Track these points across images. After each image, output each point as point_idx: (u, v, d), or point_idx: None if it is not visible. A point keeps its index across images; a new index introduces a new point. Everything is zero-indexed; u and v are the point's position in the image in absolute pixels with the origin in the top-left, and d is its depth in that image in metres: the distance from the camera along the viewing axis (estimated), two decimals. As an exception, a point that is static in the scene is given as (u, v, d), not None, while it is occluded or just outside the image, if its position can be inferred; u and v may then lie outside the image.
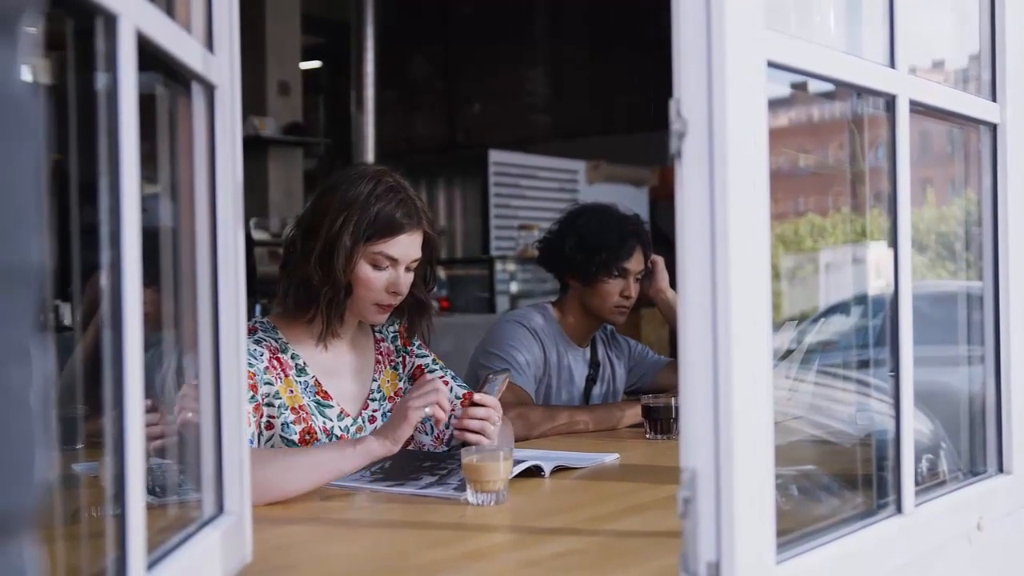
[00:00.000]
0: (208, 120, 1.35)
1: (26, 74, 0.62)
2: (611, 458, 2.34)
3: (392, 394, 2.36)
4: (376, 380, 2.34)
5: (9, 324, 0.58)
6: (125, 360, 1.01)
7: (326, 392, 2.23)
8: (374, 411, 2.31)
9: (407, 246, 2.20)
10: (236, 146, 1.38)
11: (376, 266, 2.18)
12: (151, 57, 1.12)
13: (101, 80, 1.02)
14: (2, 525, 0.57)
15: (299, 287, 2.20)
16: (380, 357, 2.37)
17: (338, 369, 2.28)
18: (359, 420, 2.27)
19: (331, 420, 2.21)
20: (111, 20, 0.99)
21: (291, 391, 2.17)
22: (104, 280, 1.02)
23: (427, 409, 1.98)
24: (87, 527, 1.31)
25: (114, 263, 1.01)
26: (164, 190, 1.37)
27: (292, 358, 2.21)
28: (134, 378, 1.02)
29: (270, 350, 2.17)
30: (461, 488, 1.90)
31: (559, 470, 2.17)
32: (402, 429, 1.98)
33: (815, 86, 1.55)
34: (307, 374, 2.22)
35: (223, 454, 1.37)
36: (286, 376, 2.18)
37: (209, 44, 1.34)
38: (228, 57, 1.38)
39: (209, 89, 1.34)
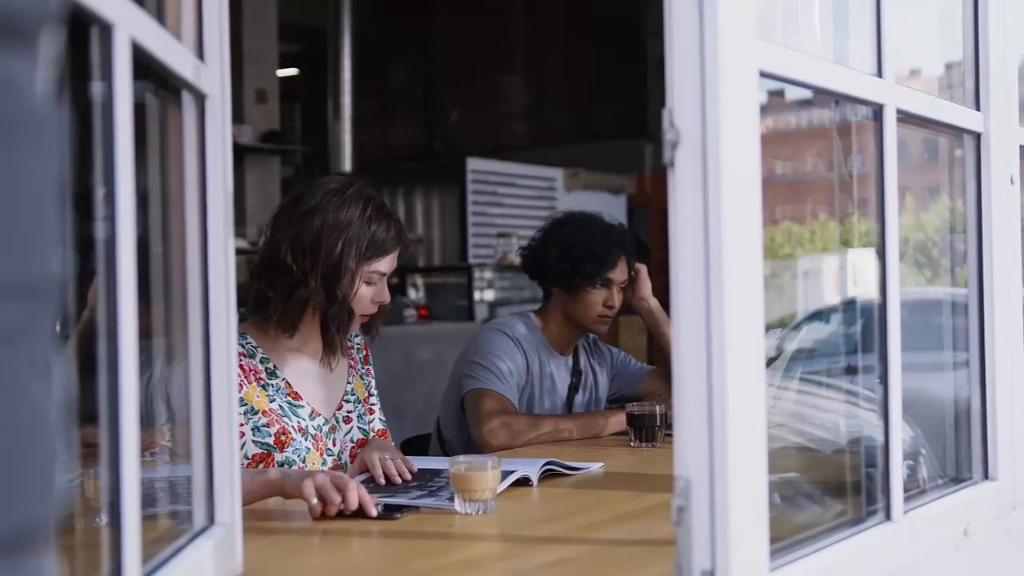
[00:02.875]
0: (199, 129, 1.34)
1: (45, 86, 0.62)
2: (596, 467, 2.35)
3: (363, 399, 2.43)
4: (350, 383, 2.41)
5: (31, 338, 0.58)
6: (120, 371, 1.00)
7: (297, 393, 2.28)
8: (348, 412, 2.38)
9: (394, 260, 2.31)
10: (227, 155, 1.37)
11: (368, 283, 2.27)
12: (142, 66, 1.11)
13: (96, 88, 1.01)
14: (26, 538, 0.57)
15: (299, 307, 2.23)
16: (352, 362, 2.44)
17: (311, 373, 2.33)
18: (332, 420, 2.33)
19: (304, 419, 2.26)
20: (107, 29, 0.99)
21: (258, 396, 2.21)
22: (98, 290, 1.01)
23: (314, 500, 1.81)
24: (75, 538, 1.30)
25: (109, 273, 1.00)
26: (154, 199, 1.36)
27: (261, 362, 2.26)
28: (129, 389, 1.01)
29: None
30: (453, 500, 1.89)
31: (548, 476, 2.18)
32: (294, 489, 1.87)
33: (792, 94, 1.55)
34: (278, 377, 2.26)
35: (214, 465, 1.37)
36: (250, 383, 2.22)
37: (200, 53, 1.34)
38: (219, 66, 1.37)
39: (200, 98, 1.33)
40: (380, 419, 2.48)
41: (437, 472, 2.17)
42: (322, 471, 1.91)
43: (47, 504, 0.59)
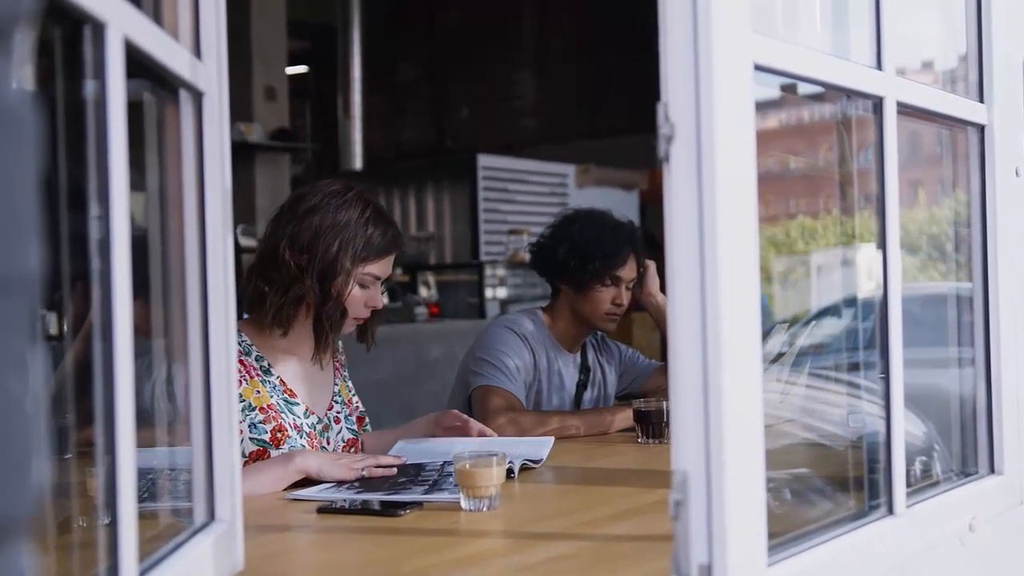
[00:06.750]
0: (196, 127, 1.34)
1: (21, 82, 0.62)
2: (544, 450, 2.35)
3: (347, 400, 2.47)
4: (337, 385, 2.45)
5: (7, 332, 0.58)
6: (116, 369, 1.00)
7: (292, 391, 2.31)
8: (338, 413, 2.42)
9: (390, 265, 2.35)
10: (224, 153, 1.38)
11: (362, 285, 2.30)
12: (138, 64, 1.11)
13: (89, 87, 1.01)
14: (2, 530, 0.57)
15: (294, 304, 2.27)
16: (338, 366, 2.49)
17: (303, 373, 2.36)
18: (325, 419, 2.37)
19: (299, 417, 2.30)
20: (99, 28, 0.99)
21: (257, 391, 2.25)
22: (93, 289, 1.01)
23: (364, 472, 2.12)
24: (74, 537, 1.30)
25: (104, 272, 1.01)
26: (151, 198, 1.36)
27: (256, 360, 2.29)
28: (125, 387, 1.01)
29: None
30: (456, 491, 1.89)
31: (547, 471, 2.19)
32: (332, 473, 2.10)
33: (804, 88, 1.55)
34: (273, 375, 2.30)
35: (214, 461, 1.37)
36: (251, 378, 2.25)
37: (197, 51, 1.34)
38: (216, 64, 1.37)
39: (197, 96, 1.34)
40: (350, 428, 2.47)
41: (420, 469, 2.17)
42: (337, 454, 2.14)
43: (24, 497, 0.59)
